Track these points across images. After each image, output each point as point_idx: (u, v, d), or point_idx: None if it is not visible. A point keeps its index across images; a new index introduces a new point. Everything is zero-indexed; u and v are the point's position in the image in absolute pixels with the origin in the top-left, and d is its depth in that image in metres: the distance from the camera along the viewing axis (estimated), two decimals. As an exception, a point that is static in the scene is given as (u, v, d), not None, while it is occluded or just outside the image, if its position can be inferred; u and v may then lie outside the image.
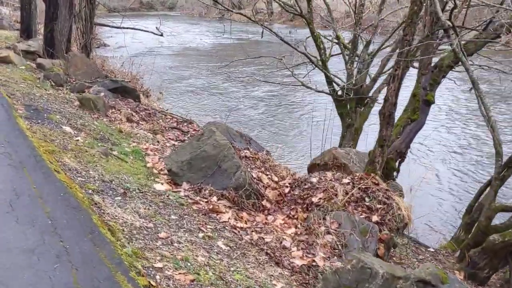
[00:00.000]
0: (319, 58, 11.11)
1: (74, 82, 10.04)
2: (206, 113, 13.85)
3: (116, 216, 4.26)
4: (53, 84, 9.71)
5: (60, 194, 4.03)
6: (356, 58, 10.02)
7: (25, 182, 4.20)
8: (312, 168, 8.71)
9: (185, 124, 10.31)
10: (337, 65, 11.47)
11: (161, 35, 17.22)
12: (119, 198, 4.76)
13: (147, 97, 12.81)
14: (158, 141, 7.83)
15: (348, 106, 9.61)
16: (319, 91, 10.35)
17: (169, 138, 8.29)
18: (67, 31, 13.06)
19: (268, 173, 5.80)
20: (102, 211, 4.25)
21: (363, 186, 5.32)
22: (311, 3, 9.15)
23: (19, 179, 4.25)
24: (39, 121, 6.72)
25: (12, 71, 9.97)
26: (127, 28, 17.48)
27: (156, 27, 17.25)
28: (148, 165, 6.37)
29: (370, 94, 9.49)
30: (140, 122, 9.05)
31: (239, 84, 17.77)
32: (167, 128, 8.87)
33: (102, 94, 9.53)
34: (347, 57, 9.75)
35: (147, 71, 14.84)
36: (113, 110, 9.01)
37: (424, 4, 6.91)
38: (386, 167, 6.95)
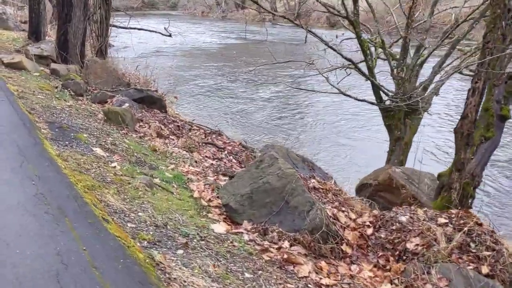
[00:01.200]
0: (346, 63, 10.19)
1: (94, 92, 9.02)
2: (226, 119, 12.83)
3: (185, 282, 3.28)
4: (72, 93, 8.70)
5: (119, 260, 3.05)
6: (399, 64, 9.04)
7: (71, 240, 3.21)
8: (362, 188, 7.74)
9: (214, 136, 9.35)
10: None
11: (170, 35, 16.27)
12: (181, 251, 3.77)
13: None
14: (196, 161, 6.84)
15: (396, 117, 8.63)
16: (360, 100, 9.36)
17: (206, 156, 7.30)
18: (81, 33, 12.04)
19: (343, 208, 4.82)
20: (167, 276, 3.27)
21: (465, 228, 4.34)
22: (357, 4, 8.15)
23: (62, 236, 3.26)
24: (67, 142, 5.72)
25: (26, 79, 8.95)
26: (136, 28, 16.50)
27: (165, 28, 16.29)
28: (195, 195, 5.38)
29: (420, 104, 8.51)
30: (171, 137, 8.06)
31: (251, 86, 16.75)
32: (200, 144, 7.87)
33: (127, 104, 8.52)
34: (394, 63, 8.76)
35: (158, 74, 13.79)
36: (141, 124, 8.02)
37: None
38: (462, 193, 5.99)
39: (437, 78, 8.58)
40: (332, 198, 4.96)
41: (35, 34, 15.04)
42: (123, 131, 7.31)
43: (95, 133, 6.63)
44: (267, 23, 46.98)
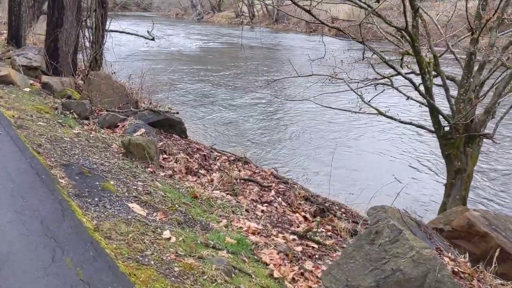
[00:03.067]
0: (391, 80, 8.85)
1: (102, 114, 7.39)
2: (236, 135, 11.23)
3: None
4: (76, 116, 7.06)
5: None
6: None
7: None
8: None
9: (240, 163, 7.88)
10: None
11: (153, 39, 14.70)
12: None
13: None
14: (246, 210, 5.34)
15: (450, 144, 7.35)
16: (407, 123, 8.04)
17: (253, 201, 5.81)
18: (74, 40, 10.35)
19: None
20: None
21: None
22: (418, 15, 6.79)
23: None
24: (97, 199, 4.14)
25: (19, 98, 7.24)
26: (124, 32, 14.82)
27: (148, 31, 14.70)
28: (275, 274, 3.91)
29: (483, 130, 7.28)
30: (201, 171, 6.54)
31: (244, 95, 15.23)
32: (238, 181, 6.36)
33: (143, 130, 6.94)
34: (450, 83, 7.47)
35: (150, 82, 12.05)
36: (165, 156, 6.46)
37: None
38: None
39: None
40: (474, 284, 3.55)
41: (15, 39, 13.19)
42: (148, 168, 5.75)
43: (121, 177, 5.05)
44: (244, 26, 45.55)
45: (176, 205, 4.75)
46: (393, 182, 8.53)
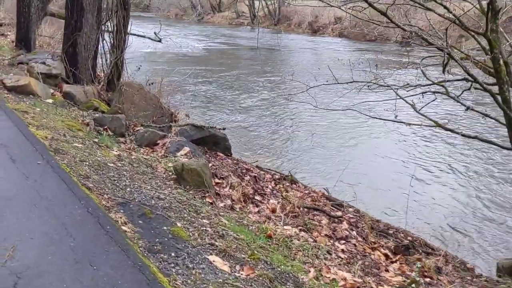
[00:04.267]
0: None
1: (137, 129, 6.47)
2: (258, 144, 10.22)
3: None
4: (111, 133, 6.13)
5: None
6: None
7: None
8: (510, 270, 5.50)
9: (287, 183, 7.01)
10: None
11: (160, 41, 13.76)
12: None
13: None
14: (328, 252, 4.45)
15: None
16: (472, 137, 7.14)
17: (328, 237, 4.92)
18: (94, 45, 9.41)
19: None
20: None
21: None
22: (497, 17, 5.90)
23: None
24: (172, 254, 3.26)
25: (43, 112, 6.31)
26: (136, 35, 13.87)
27: (155, 33, 13.76)
28: None
29: None
30: (256, 198, 5.65)
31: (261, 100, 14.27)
32: (302, 211, 5.47)
33: (187, 149, 6.05)
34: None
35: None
36: (217, 180, 5.56)
37: None
38: None
39: None
40: None
41: (24, 42, 12.21)
42: (207, 199, 4.86)
43: (184, 214, 4.15)
44: (246, 27, 44.58)
45: (255, 252, 3.86)
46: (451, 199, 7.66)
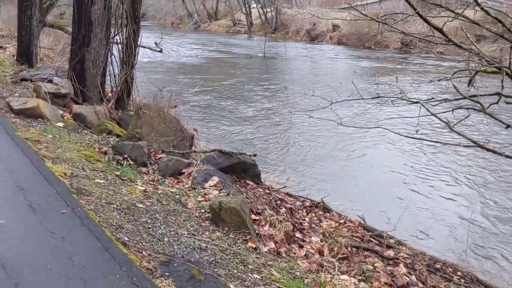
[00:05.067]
0: None
1: (159, 157, 5.84)
2: (277, 163, 9.55)
3: None
4: (132, 162, 5.50)
5: None
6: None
7: None
8: None
9: (319, 211, 6.43)
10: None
11: (161, 51, 13.14)
12: None
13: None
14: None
15: None
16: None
17: (388, 285, 4.31)
18: (103, 60, 8.80)
19: None
20: None
21: None
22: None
23: None
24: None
25: (55, 139, 5.67)
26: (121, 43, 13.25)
27: (156, 43, 13.15)
28: None
29: None
30: (297, 236, 5.03)
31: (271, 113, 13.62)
32: (351, 251, 4.86)
33: (216, 179, 5.42)
34: None
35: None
36: (253, 216, 4.94)
37: None
38: None
39: None
40: None
41: (26, 57, 11.56)
42: (249, 243, 4.25)
43: (232, 268, 3.56)
44: (242, 35, 43.99)
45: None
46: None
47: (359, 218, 6.47)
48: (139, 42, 9.13)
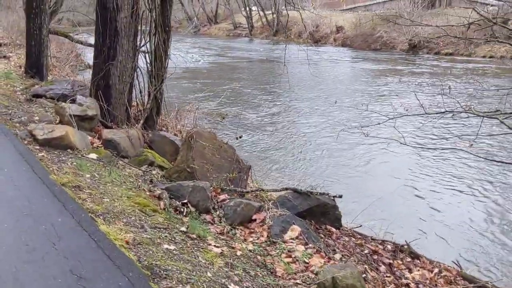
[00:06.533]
0: None
1: (218, 197, 4.69)
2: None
3: None
4: (193, 209, 4.35)
5: None
6: None
7: None
8: None
9: (406, 257, 5.32)
10: None
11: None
12: None
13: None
14: None
15: None
16: None
17: None
18: (129, 75, 7.65)
19: None
20: None
21: None
22: None
23: None
24: None
25: (95, 180, 4.52)
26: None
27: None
28: None
29: None
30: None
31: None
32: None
33: (298, 229, 4.28)
34: None
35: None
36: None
37: None
38: None
39: None
40: None
41: (36, 69, 10.39)
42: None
43: None
44: (243, 38, 42.80)
45: None
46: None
47: (454, 264, 5.36)
48: (169, 53, 7.99)
